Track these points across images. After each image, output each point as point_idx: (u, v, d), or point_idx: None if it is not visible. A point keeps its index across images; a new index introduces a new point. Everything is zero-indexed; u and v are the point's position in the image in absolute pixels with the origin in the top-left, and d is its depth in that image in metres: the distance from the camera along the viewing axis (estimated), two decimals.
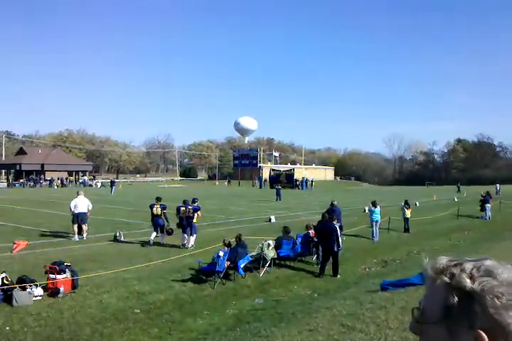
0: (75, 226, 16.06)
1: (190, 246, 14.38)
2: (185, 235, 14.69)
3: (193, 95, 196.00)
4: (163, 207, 15.35)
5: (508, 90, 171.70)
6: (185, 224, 14.58)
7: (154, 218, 15.21)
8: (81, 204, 16.33)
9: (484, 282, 0.89)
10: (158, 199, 15.61)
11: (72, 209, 16.11)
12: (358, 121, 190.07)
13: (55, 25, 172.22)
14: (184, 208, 14.72)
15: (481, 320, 0.87)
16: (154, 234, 15.08)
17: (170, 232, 15.35)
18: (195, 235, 14.70)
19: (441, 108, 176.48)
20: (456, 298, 0.90)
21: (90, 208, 16.73)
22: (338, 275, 11.58)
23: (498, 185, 48.68)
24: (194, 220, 14.72)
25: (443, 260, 0.97)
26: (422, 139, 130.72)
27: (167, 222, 15.41)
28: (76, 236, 15.99)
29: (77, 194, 16.79)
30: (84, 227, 16.29)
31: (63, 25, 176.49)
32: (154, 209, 15.22)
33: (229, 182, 76.01)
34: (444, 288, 0.93)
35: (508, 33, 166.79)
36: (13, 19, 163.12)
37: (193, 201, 15.42)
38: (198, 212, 14.91)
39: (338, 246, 11.53)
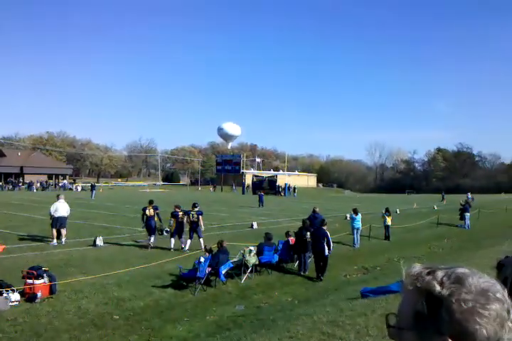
0: (54, 231, 15.81)
1: (187, 248, 14.89)
2: (183, 239, 15.22)
3: (176, 99, 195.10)
4: (156, 208, 15.97)
5: (487, 100, 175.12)
6: (187, 228, 15.43)
7: (147, 220, 15.58)
8: (61, 208, 16.11)
9: (452, 288, 0.92)
10: (150, 202, 16.25)
11: (52, 213, 15.88)
12: (341, 129, 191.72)
13: (37, 23, 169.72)
14: (182, 213, 15.30)
15: (448, 326, 0.89)
16: (153, 237, 15.46)
17: (162, 232, 16.37)
18: (202, 239, 15.19)
19: (422, 117, 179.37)
20: (424, 304, 0.93)
21: (69, 212, 16.54)
22: (321, 279, 11.89)
23: (469, 194, 49.63)
24: (201, 224, 15.42)
25: (417, 267, 1.00)
26: (403, 147, 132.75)
27: (160, 222, 16.29)
28: (55, 240, 15.73)
29: (58, 198, 16.51)
30: (63, 232, 16.04)
31: (44, 25, 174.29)
32: (147, 211, 15.67)
33: (214, 187, 75.97)
34: (415, 294, 0.96)
35: (489, 41, 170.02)
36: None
37: (194, 205, 15.67)
38: (201, 216, 15.41)
39: (329, 249, 12.06)
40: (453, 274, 0.94)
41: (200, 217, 15.25)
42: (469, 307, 0.88)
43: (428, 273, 0.96)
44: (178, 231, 15.13)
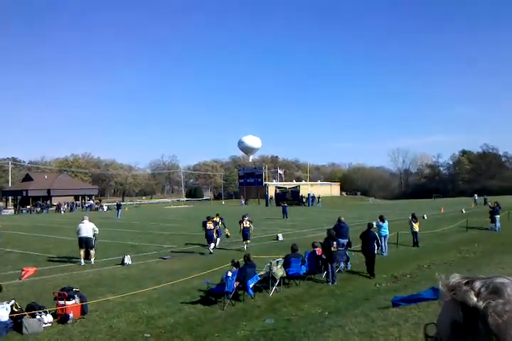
0: (82, 251, 16.15)
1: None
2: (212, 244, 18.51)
3: (196, 115, 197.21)
4: (216, 223, 19.83)
5: (510, 100, 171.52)
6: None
7: (207, 232, 18.37)
8: (85, 228, 16.45)
9: (489, 299, 0.90)
10: (208, 217, 19.11)
11: (77, 234, 16.30)
12: (362, 136, 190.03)
13: (58, 46, 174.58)
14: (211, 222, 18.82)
15: (485, 338, 0.88)
16: (212, 245, 18.41)
17: (227, 236, 21.12)
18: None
19: (444, 121, 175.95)
20: (461, 315, 0.92)
21: (96, 232, 16.86)
22: (372, 277, 13.21)
23: (478, 196, 49.02)
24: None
25: (455, 278, 0.99)
26: (427, 152, 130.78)
27: (225, 227, 21.49)
28: (82, 260, 16.01)
29: (82, 219, 16.95)
30: (92, 252, 16.34)
31: (66, 44, 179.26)
32: (207, 224, 18.53)
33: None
34: (453, 305, 0.95)
35: (508, 43, 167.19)
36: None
37: (244, 216, 19.94)
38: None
39: (381, 250, 14.55)
40: (491, 284, 0.93)
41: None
42: (505, 320, 0.87)
43: (466, 284, 0.96)
44: (208, 238, 18.46)
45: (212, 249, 18.33)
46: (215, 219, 19.82)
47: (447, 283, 0.99)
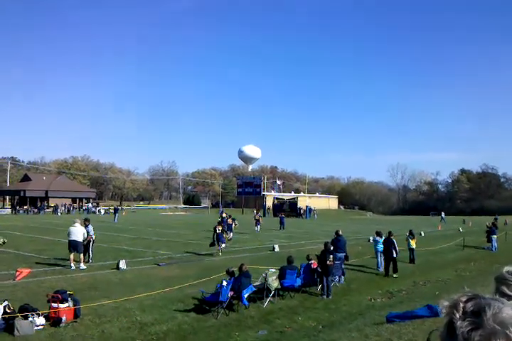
0: (71, 255, 15.78)
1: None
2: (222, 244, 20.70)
3: (197, 122, 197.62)
4: (233, 219, 27.37)
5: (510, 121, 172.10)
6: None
7: (218, 235, 20.24)
8: (75, 232, 16.07)
9: (468, 321, 0.93)
10: (219, 222, 21.64)
11: (68, 237, 16.02)
12: (361, 151, 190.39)
13: (57, 50, 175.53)
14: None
15: None
16: (223, 245, 20.53)
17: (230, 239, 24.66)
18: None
19: (444, 139, 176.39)
20: (446, 332, 0.96)
21: (86, 236, 16.41)
22: (395, 275, 15.75)
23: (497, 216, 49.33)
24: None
25: (458, 295, 1.02)
26: (426, 169, 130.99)
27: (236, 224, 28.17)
28: (72, 264, 15.67)
29: (74, 222, 16.62)
30: (81, 256, 15.98)
31: (67, 52, 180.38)
32: (217, 228, 20.46)
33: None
34: (446, 323, 0.98)
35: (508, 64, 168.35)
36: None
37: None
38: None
39: (396, 253, 16.05)
40: (478, 305, 0.95)
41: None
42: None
43: (465, 301, 0.98)
44: (218, 240, 20.50)
45: (221, 248, 20.41)
46: (228, 221, 24.00)
47: (449, 300, 1.01)
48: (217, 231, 20.41)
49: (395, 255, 15.98)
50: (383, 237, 17.51)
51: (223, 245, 20.63)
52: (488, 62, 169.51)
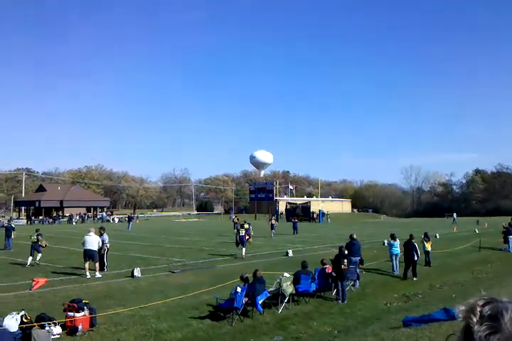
0: (86, 264, 15.92)
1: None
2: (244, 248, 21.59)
3: (208, 129, 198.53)
4: (249, 224, 26.74)
5: None
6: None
7: (240, 237, 21.78)
8: (90, 241, 16.23)
9: (486, 324, 0.92)
10: (242, 226, 23.10)
11: (83, 246, 16.20)
12: (374, 153, 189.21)
13: (70, 60, 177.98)
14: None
15: None
16: (244, 249, 21.32)
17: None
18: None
19: (457, 140, 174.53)
20: (463, 338, 0.95)
21: (101, 245, 16.57)
22: (415, 278, 15.65)
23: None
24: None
25: (475, 299, 1.01)
26: (440, 170, 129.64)
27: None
28: (87, 273, 15.77)
29: (88, 231, 16.78)
30: (96, 265, 16.10)
31: (80, 61, 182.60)
32: (240, 232, 22.01)
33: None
34: (463, 325, 0.98)
35: None
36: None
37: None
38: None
39: (418, 256, 16.13)
40: (496, 308, 0.94)
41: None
42: None
43: (483, 305, 0.97)
44: (241, 242, 21.87)
45: (244, 251, 21.30)
46: (245, 226, 23.93)
47: (467, 304, 1.01)
48: (241, 234, 21.89)
49: (416, 258, 15.95)
50: (397, 240, 17.39)
51: (244, 249, 21.33)
52: (502, 62, 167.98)
